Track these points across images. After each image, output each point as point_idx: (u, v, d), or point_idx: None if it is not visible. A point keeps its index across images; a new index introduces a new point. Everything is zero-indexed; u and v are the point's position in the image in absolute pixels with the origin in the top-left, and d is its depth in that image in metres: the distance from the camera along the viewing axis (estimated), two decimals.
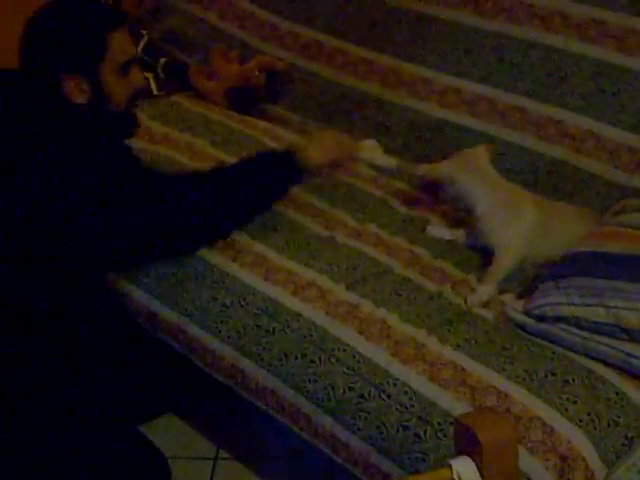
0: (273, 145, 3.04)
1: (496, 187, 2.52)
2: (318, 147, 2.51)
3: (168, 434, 2.67)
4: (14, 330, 2.31)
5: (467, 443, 1.28)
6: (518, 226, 2.46)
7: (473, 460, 1.27)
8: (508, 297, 2.34)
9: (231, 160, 2.90)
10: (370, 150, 3.06)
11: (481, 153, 2.57)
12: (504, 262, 2.42)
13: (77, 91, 2.27)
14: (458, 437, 1.31)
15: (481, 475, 1.26)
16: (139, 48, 3.59)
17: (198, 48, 3.67)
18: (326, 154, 2.51)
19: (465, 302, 2.33)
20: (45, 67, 2.28)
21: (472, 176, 2.50)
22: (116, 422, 2.46)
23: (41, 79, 2.30)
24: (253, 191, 2.44)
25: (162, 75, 3.52)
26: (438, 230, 2.62)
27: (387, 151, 3.08)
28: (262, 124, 3.25)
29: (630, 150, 2.68)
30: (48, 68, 2.27)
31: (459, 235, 2.60)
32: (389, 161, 3.05)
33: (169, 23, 3.80)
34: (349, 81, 3.30)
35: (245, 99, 3.47)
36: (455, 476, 1.26)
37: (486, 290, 2.36)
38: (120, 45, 2.30)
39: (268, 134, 3.15)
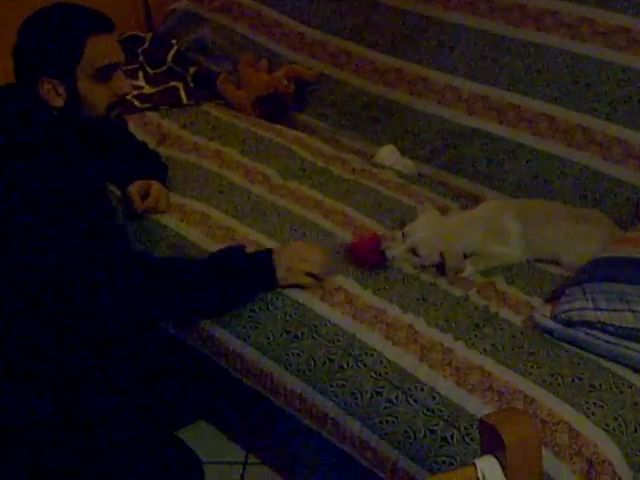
0: (302, 154, 3.06)
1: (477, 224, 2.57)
2: (287, 266, 2.37)
3: (198, 439, 2.68)
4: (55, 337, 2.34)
5: (491, 443, 1.29)
6: (513, 245, 2.55)
7: (497, 459, 1.28)
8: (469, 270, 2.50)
9: (259, 168, 2.93)
10: (389, 155, 3.10)
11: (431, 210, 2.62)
12: (500, 262, 2.53)
13: (53, 94, 2.29)
14: (483, 437, 1.32)
15: (505, 474, 1.27)
16: (169, 57, 3.62)
17: (227, 57, 3.70)
18: (293, 275, 2.38)
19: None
20: (23, 69, 2.31)
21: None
22: (154, 427, 2.49)
23: (19, 81, 2.32)
24: (219, 296, 2.38)
25: (191, 84, 3.54)
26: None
27: (415, 158, 3.11)
28: (291, 132, 3.27)
29: None
30: (25, 70, 2.30)
31: None
32: (408, 165, 3.08)
33: (198, 33, 3.83)
34: (377, 89, 3.33)
35: (274, 108, 3.49)
36: (479, 475, 1.27)
37: (470, 271, 2.49)
38: (98, 50, 2.29)
39: (297, 142, 3.17)
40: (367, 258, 2.46)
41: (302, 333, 2.30)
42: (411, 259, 2.48)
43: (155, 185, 2.74)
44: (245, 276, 2.37)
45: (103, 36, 2.31)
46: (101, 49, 2.30)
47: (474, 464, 1.28)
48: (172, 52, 3.67)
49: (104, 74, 2.32)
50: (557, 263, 2.56)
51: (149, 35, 3.82)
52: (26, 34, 2.31)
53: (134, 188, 2.72)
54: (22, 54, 2.31)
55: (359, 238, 2.54)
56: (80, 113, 2.34)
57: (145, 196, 2.73)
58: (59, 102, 2.31)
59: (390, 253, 2.45)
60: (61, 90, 2.29)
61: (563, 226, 2.56)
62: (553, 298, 2.30)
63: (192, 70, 3.59)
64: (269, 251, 2.39)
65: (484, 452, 1.30)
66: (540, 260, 2.55)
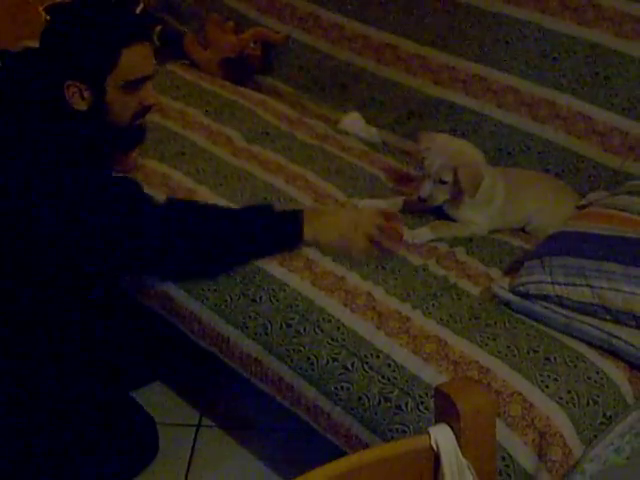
0: (267, 117, 3.04)
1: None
2: (331, 228, 2.37)
3: (152, 400, 2.68)
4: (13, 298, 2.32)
5: (445, 411, 1.29)
6: (489, 211, 2.54)
7: (451, 428, 1.28)
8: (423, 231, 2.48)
9: (222, 130, 2.91)
10: (353, 122, 3.09)
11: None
12: (462, 232, 2.52)
13: (78, 97, 2.24)
14: (437, 405, 1.32)
15: (458, 442, 1.27)
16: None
17: (194, 17, 3.66)
18: (338, 240, 2.37)
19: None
20: (51, 67, 2.25)
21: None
22: (108, 388, 2.48)
23: (45, 76, 2.26)
24: (242, 247, 2.35)
25: (157, 43, 3.50)
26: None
27: (380, 126, 3.10)
28: (256, 95, 3.25)
29: (620, 133, 2.69)
30: (53, 65, 2.25)
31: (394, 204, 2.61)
32: (372, 133, 3.08)
33: None
34: (345, 55, 3.31)
35: (240, 70, 3.47)
36: (433, 443, 1.27)
37: (429, 236, 2.47)
38: (132, 62, 2.24)
39: (262, 106, 3.15)
40: None
41: (260, 297, 2.29)
42: (443, 191, 2.48)
43: None
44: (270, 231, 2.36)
45: (139, 46, 2.26)
46: (135, 61, 2.26)
47: (428, 432, 1.28)
48: (138, 10, 3.62)
49: (134, 85, 2.28)
50: (522, 230, 2.60)
51: None
52: (61, 28, 2.24)
53: None
54: (53, 48, 2.25)
55: None
56: (103, 119, 2.29)
57: None
58: (82, 106, 2.25)
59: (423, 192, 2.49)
60: (87, 95, 2.24)
61: (538, 189, 2.61)
62: (512, 270, 2.31)
63: (158, 29, 3.54)
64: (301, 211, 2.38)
65: (438, 420, 1.30)
66: (500, 231, 2.57)
